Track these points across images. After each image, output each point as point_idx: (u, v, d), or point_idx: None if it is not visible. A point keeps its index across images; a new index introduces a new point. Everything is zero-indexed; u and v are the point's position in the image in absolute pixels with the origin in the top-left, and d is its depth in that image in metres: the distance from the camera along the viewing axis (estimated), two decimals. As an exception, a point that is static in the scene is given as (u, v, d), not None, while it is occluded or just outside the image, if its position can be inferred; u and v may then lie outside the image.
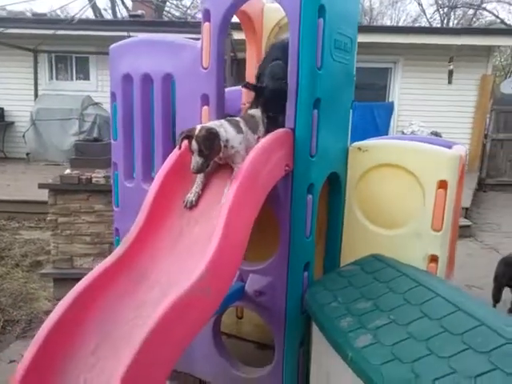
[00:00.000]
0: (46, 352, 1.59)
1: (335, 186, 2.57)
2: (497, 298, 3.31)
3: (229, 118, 2.13)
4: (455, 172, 2.44)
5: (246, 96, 2.87)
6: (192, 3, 23.69)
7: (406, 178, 2.49)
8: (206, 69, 2.36)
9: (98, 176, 3.52)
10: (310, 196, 2.25)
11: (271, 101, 2.28)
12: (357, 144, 2.61)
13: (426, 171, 2.43)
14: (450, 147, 2.82)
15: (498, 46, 10.22)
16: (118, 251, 1.93)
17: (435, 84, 9.21)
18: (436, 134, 9.23)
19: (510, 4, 25.79)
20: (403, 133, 9.29)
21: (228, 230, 1.79)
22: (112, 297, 1.81)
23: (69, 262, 3.66)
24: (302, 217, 2.26)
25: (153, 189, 2.07)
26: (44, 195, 4.02)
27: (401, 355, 1.65)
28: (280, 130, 2.16)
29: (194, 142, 1.90)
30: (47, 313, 3.47)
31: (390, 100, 9.86)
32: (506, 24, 23.81)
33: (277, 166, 2.12)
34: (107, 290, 1.82)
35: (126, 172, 2.74)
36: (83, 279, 1.81)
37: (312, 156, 2.22)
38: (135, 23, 9.14)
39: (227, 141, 1.97)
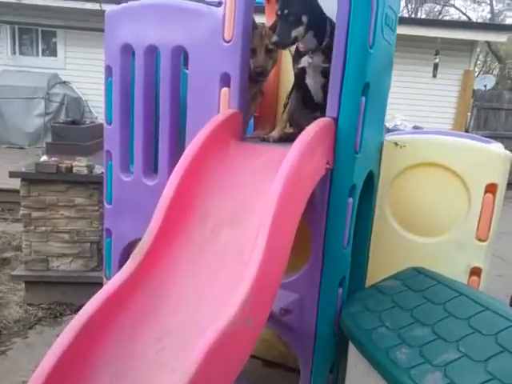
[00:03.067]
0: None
1: (368, 186, 2.24)
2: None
3: None
4: (506, 175, 2.16)
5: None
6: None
7: (449, 179, 2.19)
8: (228, 42, 1.96)
9: (79, 165, 3.05)
10: (350, 199, 1.91)
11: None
12: (393, 138, 2.28)
13: (473, 172, 2.14)
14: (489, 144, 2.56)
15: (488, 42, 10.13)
16: (129, 266, 1.55)
17: (420, 77, 9.06)
18: (418, 129, 9.10)
19: (474, 2, 26.31)
20: (385, 127, 9.11)
21: (271, 246, 1.43)
22: (125, 325, 1.43)
23: (44, 262, 3.18)
24: (341, 223, 1.92)
25: (169, 189, 1.67)
26: (7, 181, 3.51)
27: (488, 403, 1.35)
28: (323, 119, 1.80)
29: None
30: (18, 322, 3.01)
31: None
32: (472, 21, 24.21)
33: (319, 164, 1.77)
34: (118, 317, 1.44)
35: (123, 163, 2.32)
36: (87, 305, 1.41)
37: (356, 152, 1.87)
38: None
39: None
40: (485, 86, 13.10)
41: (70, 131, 3.39)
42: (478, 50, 21.65)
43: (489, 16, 25.61)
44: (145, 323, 1.44)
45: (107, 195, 2.39)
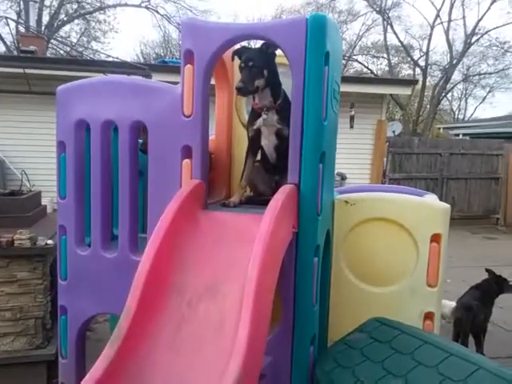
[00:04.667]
0: None
1: (325, 243, 2.35)
2: (464, 342, 3.30)
3: None
4: (447, 225, 2.38)
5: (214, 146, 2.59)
6: (78, 41, 22.79)
7: (397, 232, 2.37)
8: (188, 117, 2.03)
9: (21, 238, 2.89)
10: (316, 259, 2.01)
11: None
12: (343, 197, 2.44)
13: (419, 225, 2.33)
14: (421, 196, 2.80)
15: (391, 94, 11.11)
16: (107, 353, 1.50)
17: (339, 129, 9.63)
18: (341, 175, 9.63)
19: (374, 57, 28.98)
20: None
21: (255, 317, 1.47)
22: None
23: (-18, 345, 2.93)
24: (309, 283, 2.00)
25: (144, 265, 1.66)
26: None
27: None
28: (286, 187, 1.90)
29: None
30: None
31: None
32: (374, 74, 26.60)
33: (287, 230, 1.86)
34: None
35: (78, 237, 2.26)
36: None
37: (318, 214, 1.99)
38: (28, 59, 8.27)
39: None
40: (393, 131, 14.22)
41: (9, 203, 3.22)
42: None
43: (387, 68, 28.19)
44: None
45: (61, 271, 2.30)
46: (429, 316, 2.35)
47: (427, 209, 2.34)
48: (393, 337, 2.03)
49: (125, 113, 2.11)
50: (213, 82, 2.45)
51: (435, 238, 2.31)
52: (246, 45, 2.21)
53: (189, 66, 2.00)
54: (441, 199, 10.14)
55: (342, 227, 2.44)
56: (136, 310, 1.59)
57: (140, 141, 2.29)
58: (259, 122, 2.16)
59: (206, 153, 2.07)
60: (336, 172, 9.10)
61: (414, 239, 2.33)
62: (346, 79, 9.77)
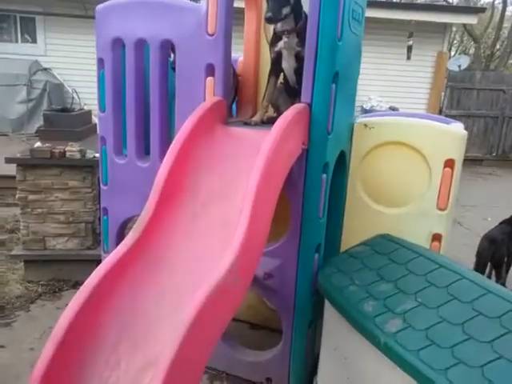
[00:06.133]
0: (66, 347, 1.44)
1: (341, 164, 2.49)
2: (482, 273, 3.41)
3: None
4: (462, 151, 2.43)
5: (242, 67, 2.71)
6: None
7: (412, 156, 2.45)
8: (211, 35, 2.16)
9: (72, 150, 3.23)
10: (324, 175, 2.16)
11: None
12: (363, 120, 2.53)
13: (434, 150, 2.40)
14: (448, 124, 2.82)
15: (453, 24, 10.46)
16: (131, 237, 1.77)
17: (395, 59, 9.29)
18: (394, 109, 9.39)
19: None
20: (363, 108, 9.38)
21: (254, 215, 1.67)
22: (129, 285, 1.68)
23: (41, 242, 3.37)
24: (316, 197, 2.16)
25: (163, 170, 1.89)
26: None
27: (437, 340, 1.62)
28: (298, 105, 2.03)
29: None
30: (20, 297, 3.21)
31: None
32: (448, 3, 24.55)
33: (295, 145, 2.01)
34: (124, 279, 1.68)
35: (116, 147, 2.52)
36: (98, 269, 1.66)
37: (329, 133, 2.11)
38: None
39: None
40: (459, 66, 13.44)
41: (62, 118, 3.54)
42: (454, 29, 22.00)
43: (464, -3, 25.89)
44: (145, 284, 1.67)
45: (103, 177, 2.59)
46: (436, 237, 2.47)
47: (443, 134, 2.39)
48: (392, 250, 2.19)
49: (155, 32, 2.27)
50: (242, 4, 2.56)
51: (449, 164, 2.37)
52: None
53: (213, -15, 2.10)
54: (500, 139, 9.70)
55: (361, 149, 2.54)
56: (156, 206, 1.84)
57: (171, 59, 2.45)
58: (280, 44, 2.25)
59: (228, 71, 2.21)
60: (388, 106, 8.82)
61: (427, 163, 2.41)
62: (404, 6, 9.26)
